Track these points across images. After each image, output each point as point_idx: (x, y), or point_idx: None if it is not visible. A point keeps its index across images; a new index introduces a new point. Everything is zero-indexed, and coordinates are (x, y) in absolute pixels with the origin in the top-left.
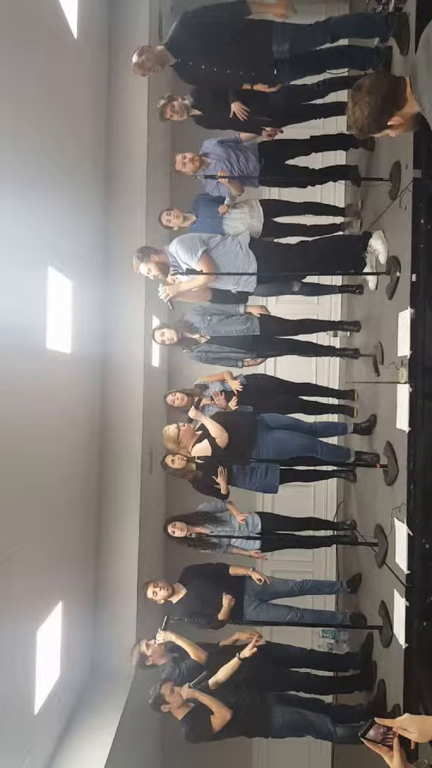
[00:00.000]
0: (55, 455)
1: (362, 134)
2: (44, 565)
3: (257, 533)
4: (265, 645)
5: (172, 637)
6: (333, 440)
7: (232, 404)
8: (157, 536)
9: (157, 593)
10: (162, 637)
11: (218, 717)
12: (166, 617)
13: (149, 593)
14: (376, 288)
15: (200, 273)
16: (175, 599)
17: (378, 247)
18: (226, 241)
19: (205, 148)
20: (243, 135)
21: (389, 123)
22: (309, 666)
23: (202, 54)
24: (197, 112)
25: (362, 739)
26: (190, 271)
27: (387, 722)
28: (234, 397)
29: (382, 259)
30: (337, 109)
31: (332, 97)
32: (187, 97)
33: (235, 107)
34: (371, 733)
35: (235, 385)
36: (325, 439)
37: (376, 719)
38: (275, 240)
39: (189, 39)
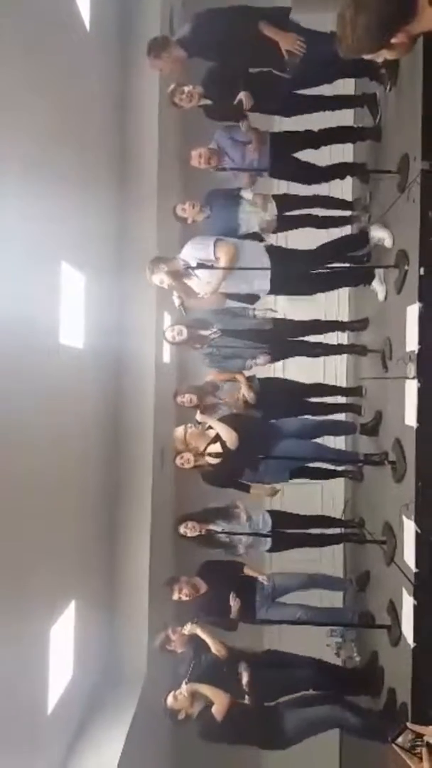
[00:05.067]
0: (67, 452)
1: (353, 52)
2: (57, 564)
3: (268, 531)
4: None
5: (197, 630)
6: (341, 439)
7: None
8: (168, 534)
9: (183, 591)
10: (189, 628)
11: (218, 703)
12: (199, 615)
13: (175, 595)
14: (386, 299)
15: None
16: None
17: (380, 234)
18: (240, 239)
19: (216, 142)
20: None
21: (392, 41)
22: (315, 687)
23: (214, 53)
24: (207, 102)
25: (393, 745)
26: (201, 265)
27: (419, 729)
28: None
29: (388, 243)
30: (347, 102)
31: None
32: (197, 87)
33: (243, 96)
34: (400, 739)
35: (249, 393)
36: (332, 438)
37: (408, 725)
38: (290, 247)
39: (201, 39)
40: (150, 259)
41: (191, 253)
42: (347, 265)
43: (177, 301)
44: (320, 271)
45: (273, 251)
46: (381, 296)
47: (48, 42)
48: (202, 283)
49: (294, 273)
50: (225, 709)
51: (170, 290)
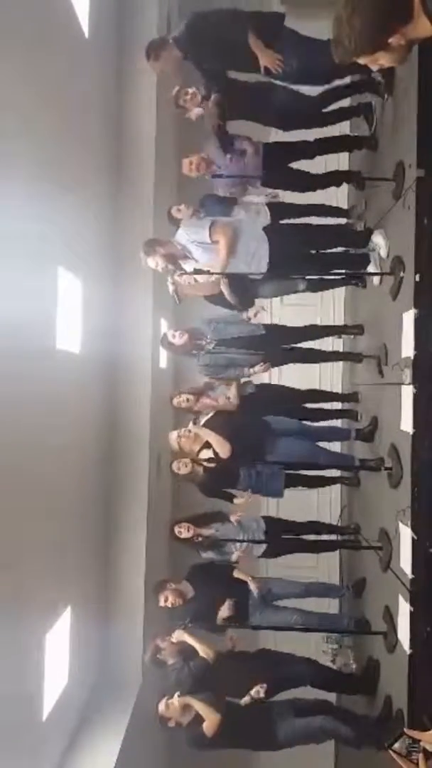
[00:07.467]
0: (63, 458)
1: (350, 55)
2: (52, 570)
3: (262, 536)
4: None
5: (185, 637)
6: (336, 445)
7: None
8: (164, 540)
9: (168, 599)
10: (177, 636)
11: (208, 721)
12: (187, 620)
13: (161, 602)
14: (381, 283)
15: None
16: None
17: (379, 241)
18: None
19: (206, 151)
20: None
21: (389, 41)
22: (311, 685)
23: (208, 54)
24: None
25: (389, 750)
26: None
27: (416, 735)
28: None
29: (383, 252)
30: (344, 114)
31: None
32: (200, 88)
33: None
34: (397, 745)
35: (233, 396)
36: (328, 444)
37: (405, 730)
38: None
39: (195, 39)
40: (144, 241)
41: (186, 236)
42: (344, 271)
43: (171, 288)
44: (317, 252)
45: (271, 229)
46: (383, 252)
47: (46, 48)
48: (201, 267)
49: (291, 251)
50: (215, 728)
51: (164, 275)
